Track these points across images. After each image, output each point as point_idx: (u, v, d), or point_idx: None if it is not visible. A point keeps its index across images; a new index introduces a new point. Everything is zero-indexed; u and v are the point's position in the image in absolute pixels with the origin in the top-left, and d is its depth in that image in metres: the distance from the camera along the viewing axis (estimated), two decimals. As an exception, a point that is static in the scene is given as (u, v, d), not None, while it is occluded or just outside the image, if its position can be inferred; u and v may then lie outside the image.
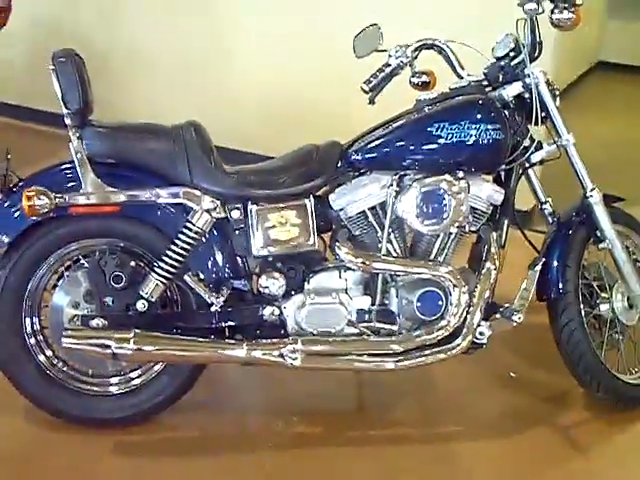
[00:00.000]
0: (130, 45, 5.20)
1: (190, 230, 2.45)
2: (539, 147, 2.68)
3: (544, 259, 2.69)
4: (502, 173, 2.68)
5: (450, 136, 2.49)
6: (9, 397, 2.61)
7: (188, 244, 2.45)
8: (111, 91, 5.08)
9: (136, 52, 5.19)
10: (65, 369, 2.61)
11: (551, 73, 4.00)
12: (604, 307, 2.80)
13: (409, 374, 2.89)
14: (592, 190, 2.70)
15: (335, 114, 4.02)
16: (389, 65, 2.70)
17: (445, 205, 2.48)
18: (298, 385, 2.90)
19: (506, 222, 2.65)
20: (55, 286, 2.56)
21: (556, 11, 2.51)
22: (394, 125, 2.57)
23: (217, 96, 4.92)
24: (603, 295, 2.81)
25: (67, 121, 2.39)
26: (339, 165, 2.57)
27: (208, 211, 2.46)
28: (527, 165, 2.71)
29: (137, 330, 2.42)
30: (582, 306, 2.72)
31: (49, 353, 2.59)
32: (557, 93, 2.71)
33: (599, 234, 2.75)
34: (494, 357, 3.08)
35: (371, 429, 2.72)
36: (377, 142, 2.54)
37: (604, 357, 2.74)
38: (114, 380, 2.65)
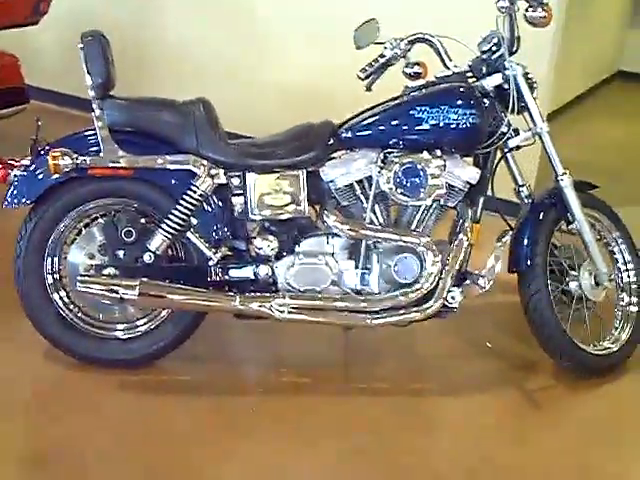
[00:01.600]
0: (163, 35, 5.59)
1: (194, 193, 2.75)
2: (515, 133, 2.94)
3: (515, 235, 2.96)
4: (481, 156, 2.95)
5: (430, 118, 2.76)
6: (33, 338, 2.93)
7: (192, 205, 2.75)
8: (144, 78, 5.47)
9: (169, 42, 5.58)
10: (79, 314, 2.93)
11: (555, 82, 4.29)
12: (573, 284, 3.06)
13: (393, 338, 3.20)
14: (563, 174, 2.96)
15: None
16: (384, 56, 2.97)
17: (422, 180, 2.76)
18: (290, 343, 3.21)
19: (482, 200, 2.91)
20: (74, 240, 2.88)
21: (530, 9, 2.78)
22: (382, 107, 2.85)
23: (247, 88, 5.29)
24: (572, 273, 3.07)
25: (91, 93, 2.71)
26: (331, 142, 2.85)
27: (211, 177, 2.76)
28: (506, 150, 2.98)
29: (143, 279, 2.73)
30: (550, 281, 2.99)
31: (63, 293, 2.90)
32: (535, 85, 2.96)
33: (569, 216, 3.01)
34: (474, 329, 3.39)
35: (351, 383, 3.02)
36: (365, 122, 2.83)
37: (570, 329, 2.99)
38: (121, 326, 2.96)
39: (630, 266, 3.21)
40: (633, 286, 3.21)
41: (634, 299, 3.20)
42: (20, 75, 4.77)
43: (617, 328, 3.18)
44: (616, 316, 3.21)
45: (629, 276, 3.21)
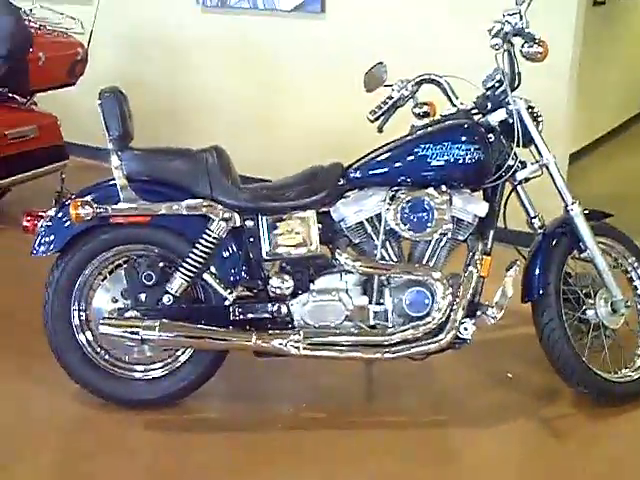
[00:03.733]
0: (193, 89, 5.83)
1: (209, 236, 2.86)
2: (523, 166, 3.00)
3: (527, 265, 3.01)
4: (490, 189, 3.01)
5: (435, 155, 2.84)
6: (60, 379, 3.05)
7: (207, 248, 2.86)
8: (177, 129, 5.71)
9: (200, 95, 5.81)
10: (105, 356, 3.05)
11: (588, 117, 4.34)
12: (590, 312, 3.07)
13: (414, 372, 3.26)
14: (573, 204, 3.00)
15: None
16: (392, 97, 3.07)
17: (428, 215, 2.83)
18: (310, 378, 3.28)
19: (492, 232, 2.97)
20: (99, 285, 3.01)
21: (526, 45, 2.86)
22: (388, 147, 2.94)
23: (273, 134, 5.48)
24: (589, 301, 3.09)
25: (109, 145, 2.87)
26: (340, 182, 2.95)
27: (225, 221, 2.87)
28: (515, 183, 3.04)
29: (163, 320, 2.84)
30: (567, 310, 3.02)
31: (90, 336, 3.02)
32: (540, 119, 3.03)
33: (581, 245, 3.04)
34: (494, 360, 3.44)
35: (371, 416, 3.06)
36: (373, 162, 2.92)
37: (589, 356, 3.01)
38: (145, 367, 3.06)
39: (649, 292, 3.22)
40: (653, 312, 3.21)
41: (655, 325, 3.20)
42: (59, 134, 5.00)
43: (639, 355, 3.18)
44: (638, 343, 3.21)
45: (649, 302, 3.22)
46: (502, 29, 2.85)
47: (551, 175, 3.01)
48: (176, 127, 5.88)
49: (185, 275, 2.88)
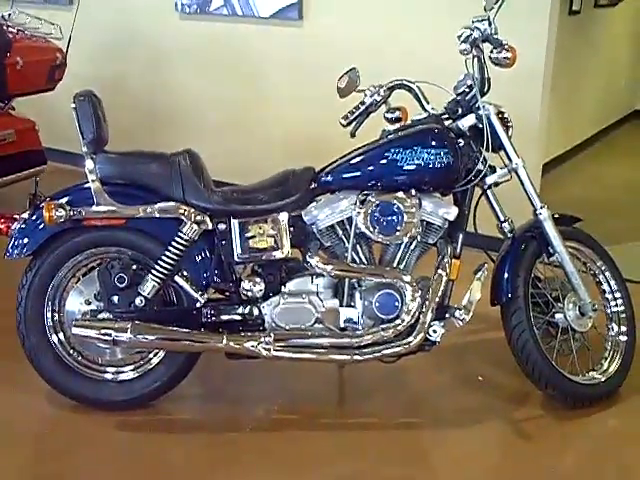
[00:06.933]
0: (171, 94, 5.86)
1: (181, 239, 2.88)
2: (492, 170, 3.05)
3: (496, 269, 3.05)
4: (459, 194, 3.05)
5: (405, 159, 2.88)
6: (33, 381, 3.06)
7: (179, 250, 2.89)
8: (154, 134, 5.72)
9: (177, 101, 5.83)
10: (78, 357, 3.06)
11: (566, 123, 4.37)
12: (558, 316, 3.11)
13: (387, 375, 3.28)
14: (541, 208, 3.04)
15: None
16: (364, 103, 3.11)
17: (397, 218, 2.87)
18: (282, 381, 3.31)
19: (461, 236, 3.00)
20: (73, 287, 3.03)
21: (495, 51, 2.91)
22: (359, 151, 2.98)
23: (250, 139, 5.51)
24: (558, 305, 3.13)
25: (84, 149, 2.89)
26: (312, 186, 2.98)
27: (197, 223, 2.89)
28: (485, 187, 3.08)
29: (136, 322, 2.85)
30: (536, 313, 3.06)
31: (63, 338, 3.03)
32: (510, 124, 3.07)
33: (550, 249, 3.08)
34: (465, 363, 3.48)
35: (341, 418, 3.09)
36: (344, 166, 2.95)
37: (557, 359, 3.05)
38: (119, 369, 3.08)
39: (617, 295, 3.26)
40: (622, 315, 3.25)
41: (623, 328, 3.24)
42: (38, 139, 5.01)
43: (607, 358, 3.22)
44: (606, 346, 3.25)
45: (617, 305, 3.26)
46: (471, 35, 2.89)
47: (520, 180, 3.05)
48: (154, 131, 5.90)
49: (157, 277, 2.90)
